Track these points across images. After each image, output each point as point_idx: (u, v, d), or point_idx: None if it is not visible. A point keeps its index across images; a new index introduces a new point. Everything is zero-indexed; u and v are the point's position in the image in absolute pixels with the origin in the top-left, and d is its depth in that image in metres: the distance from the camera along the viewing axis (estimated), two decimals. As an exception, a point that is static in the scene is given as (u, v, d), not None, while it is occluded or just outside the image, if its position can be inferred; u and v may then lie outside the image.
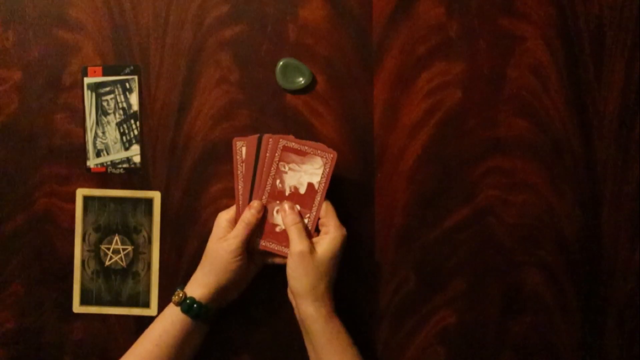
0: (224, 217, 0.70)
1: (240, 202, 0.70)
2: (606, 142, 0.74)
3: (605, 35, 0.73)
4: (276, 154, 0.68)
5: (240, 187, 0.70)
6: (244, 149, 0.70)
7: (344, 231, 0.68)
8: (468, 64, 0.74)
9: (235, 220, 0.70)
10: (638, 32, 0.73)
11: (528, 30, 0.73)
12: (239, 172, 0.70)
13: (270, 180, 0.69)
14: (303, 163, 0.68)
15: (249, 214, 0.68)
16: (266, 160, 0.69)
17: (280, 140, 0.68)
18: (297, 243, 0.66)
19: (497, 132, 0.74)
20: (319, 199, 0.69)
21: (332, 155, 0.68)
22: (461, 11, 0.74)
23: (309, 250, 0.66)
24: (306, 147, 0.68)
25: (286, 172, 0.69)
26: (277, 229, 0.69)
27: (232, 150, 0.70)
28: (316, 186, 0.68)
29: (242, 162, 0.70)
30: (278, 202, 0.69)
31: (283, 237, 0.69)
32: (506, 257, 0.74)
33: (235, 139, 0.70)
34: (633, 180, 0.74)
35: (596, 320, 0.74)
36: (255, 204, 0.69)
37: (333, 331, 0.66)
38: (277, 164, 0.69)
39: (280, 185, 0.69)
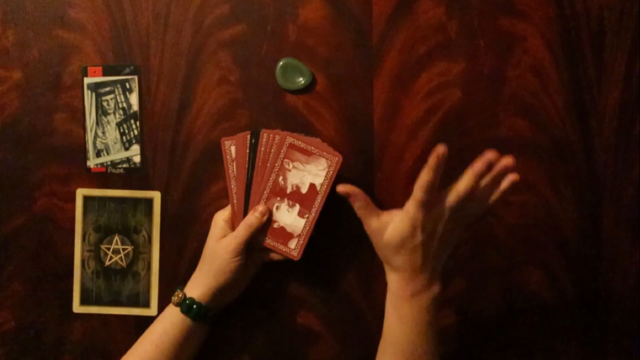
0: (220, 217, 0.70)
1: (235, 201, 0.70)
2: (606, 142, 0.74)
3: (605, 35, 0.73)
4: (282, 151, 0.68)
5: (233, 185, 0.70)
6: (233, 148, 0.70)
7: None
8: (468, 64, 0.74)
9: (231, 220, 0.70)
10: (638, 32, 0.73)
11: (528, 30, 0.73)
12: (230, 171, 0.70)
13: (273, 176, 0.69)
14: (307, 163, 0.68)
15: (253, 217, 0.68)
16: (271, 155, 0.69)
17: (287, 137, 0.68)
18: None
19: (497, 132, 0.74)
20: (319, 200, 0.68)
21: (337, 159, 0.68)
22: (461, 11, 0.74)
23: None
24: (312, 148, 0.68)
25: (290, 170, 0.69)
26: (275, 225, 0.69)
27: (222, 150, 0.70)
28: (318, 187, 0.68)
29: (233, 162, 0.70)
30: (279, 198, 0.69)
31: (279, 234, 0.69)
32: (506, 257, 0.74)
33: (223, 139, 0.70)
34: (633, 180, 0.74)
35: (596, 320, 0.74)
36: (261, 207, 0.68)
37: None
38: (282, 161, 0.69)
39: (282, 182, 0.69)
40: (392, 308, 0.62)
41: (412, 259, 0.60)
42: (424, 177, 0.58)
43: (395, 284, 0.62)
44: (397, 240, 0.60)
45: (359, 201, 0.63)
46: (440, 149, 0.58)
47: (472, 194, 0.60)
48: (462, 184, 0.59)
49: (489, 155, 0.60)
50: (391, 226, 0.61)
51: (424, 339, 0.61)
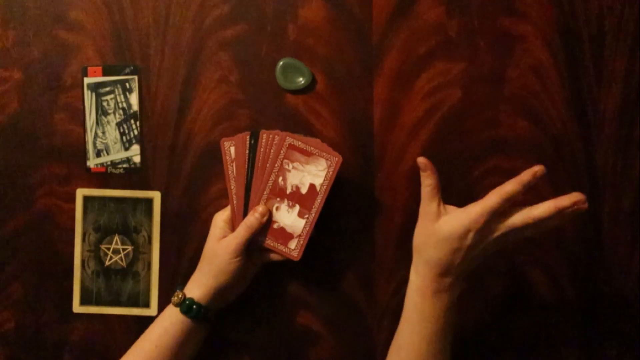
0: (220, 218, 0.70)
1: (235, 202, 0.70)
2: (606, 142, 0.74)
3: (605, 35, 0.73)
4: (281, 151, 0.68)
5: (232, 186, 0.70)
6: (232, 149, 0.70)
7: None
8: (468, 64, 0.74)
9: (231, 220, 0.70)
10: (638, 32, 0.73)
11: (528, 30, 0.73)
12: (229, 172, 0.70)
13: (272, 177, 0.69)
14: (307, 163, 0.68)
15: (253, 218, 0.68)
16: (270, 156, 0.69)
17: (287, 137, 0.68)
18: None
19: (497, 132, 0.74)
20: (319, 201, 0.68)
21: (337, 159, 0.68)
22: (461, 11, 0.74)
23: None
24: (312, 148, 0.68)
25: (289, 170, 0.69)
26: (275, 226, 0.69)
27: (221, 151, 0.70)
28: (318, 188, 0.68)
29: (232, 162, 0.70)
30: (278, 199, 0.69)
31: (279, 234, 0.69)
32: (506, 257, 0.74)
33: (223, 139, 0.70)
34: (633, 180, 0.74)
35: (596, 320, 0.74)
36: (261, 208, 0.68)
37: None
38: (282, 161, 0.69)
39: (282, 182, 0.69)
40: (414, 305, 0.61)
41: (449, 258, 0.59)
42: (509, 187, 0.56)
43: (421, 278, 0.60)
44: (445, 234, 0.58)
45: (431, 179, 0.61)
46: (539, 169, 0.56)
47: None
48: (539, 212, 0.57)
49: (576, 196, 0.57)
50: (446, 218, 0.60)
51: (441, 339, 0.60)
